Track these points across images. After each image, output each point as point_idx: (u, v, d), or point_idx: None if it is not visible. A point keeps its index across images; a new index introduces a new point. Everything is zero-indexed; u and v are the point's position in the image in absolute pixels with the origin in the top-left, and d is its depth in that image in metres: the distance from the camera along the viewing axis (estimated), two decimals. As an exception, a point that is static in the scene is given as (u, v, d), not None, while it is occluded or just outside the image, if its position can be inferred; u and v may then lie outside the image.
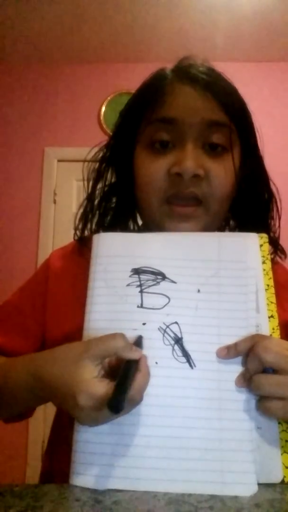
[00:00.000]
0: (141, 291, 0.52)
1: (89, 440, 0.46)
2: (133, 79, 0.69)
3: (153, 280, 0.53)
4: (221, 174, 0.59)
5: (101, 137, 0.71)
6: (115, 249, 0.56)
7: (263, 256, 0.56)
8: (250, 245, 0.56)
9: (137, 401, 0.44)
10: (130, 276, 0.53)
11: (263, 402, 0.46)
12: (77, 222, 0.68)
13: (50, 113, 2.73)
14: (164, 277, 0.53)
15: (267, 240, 0.57)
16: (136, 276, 0.53)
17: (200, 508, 0.42)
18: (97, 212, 0.68)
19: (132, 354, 0.45)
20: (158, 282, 0.53)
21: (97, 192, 0.69)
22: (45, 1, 2.22)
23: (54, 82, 2.76)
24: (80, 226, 0.68)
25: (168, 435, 0.46)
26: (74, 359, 0.44)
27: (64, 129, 2.70)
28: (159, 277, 0.53)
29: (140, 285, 0.53)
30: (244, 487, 0.45)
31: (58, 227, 2.59)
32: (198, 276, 0.53)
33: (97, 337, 0.46)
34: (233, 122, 0.60)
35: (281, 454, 0.47)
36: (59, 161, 2.67)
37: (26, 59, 2.71)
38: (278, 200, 0.69)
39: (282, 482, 0.46)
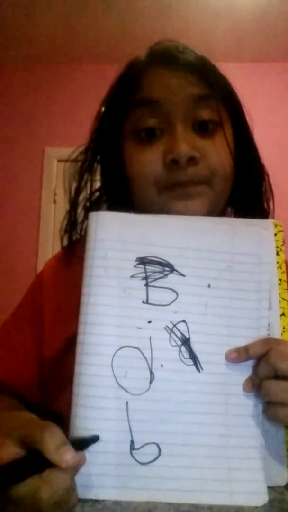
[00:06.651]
0: (146, 285, 0.47)
1: (91, 450, 0.43)
2: (133, 79, 0.68)
3: (160, 272, 0.48)
4: (217, 152, 0.56)
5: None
6: (118, 233, 0.49)
7: (277, 247, 0.51)
8: (265, 236, 0.50)
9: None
10: (135, 266, 0.48)
11: (271, 408, 0.44)
12: (62, 232, 0.64)
13: (50, 113, 2.73)
14: (172, 269, 0.48)
15: (282, 228, 0.52)
16: (142, 266, 0.48)
17: (200, 508, 0.41)
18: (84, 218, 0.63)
19: (58, 458, 0.35)
20: (166, 275, 0.48)
21: (81, 197, 0.64)
22: (45, 1, 2.22)
23: (54, 82, 2.76)
24: (65, 238, 0.63)
25: (173, 442, 0.44)
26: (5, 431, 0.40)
27: (64, 129, 2.69)
28: (167, 269, 0.48)
29: (146, 278, 0.48)
30: (254, 496, 0.42)
31: (58, 227, 2.56)
32: (209, 269, 0.48)
33: (36, 422, 0.41)
34: (219, 95, 0.56)
35: (287, 457, 0.46)
36: (59, 161, 2.67)
37: (26, 59, 2.70)
38: (270, 181, 0.65)
39: (287, 485, 0.45)
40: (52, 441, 0.36)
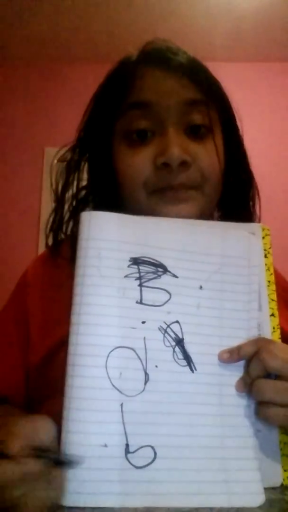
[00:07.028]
0: (140, 285, 0.47)
1: (85, 455, 0.41)
2: (133, 79, 0.68)
3: (153, 273, 0.48)
4: (208, 157, 0.56)
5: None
6: (111, 232, 0.49)
7: (265, 250, 0.52)
8: (254, 239, 0.52)
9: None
10: (128, 266, 0.48)
11: (262, 408, 0.44)
12: (47, 231, 0.63)
13: (50, 113, 2.73)
14: (165, 270, 0.48)
15: (269, 232, 0.53)
16: (135, 266, 0.48)
17: (200, 509, 0.41)
18: (72, 218, 0.62)
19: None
20: (159, 276, 0.48)
21: (67, 196, 0.63)
22: (45, 1, 2.22)
23: (54, 82, 2.75)
24: (50, 238, 0.62)
25: (168, 444, 0.43)
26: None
27: (64, 129, 2.68)
28: (160, 269, 0.48)
29: (140, 278, 0.48)
30: (251, 497, 0.42)
31: (58, 227, 2.58)
32: (200, 271, 0.49)
33: (28, 421, 0.40)
34: (210, 99, 0.57)
35: (281, 457, 0.46)
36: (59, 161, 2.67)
37: (26, 59, 2.70)
38: (256, 187, 0.66)
39: (281, 485, 0.45)
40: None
